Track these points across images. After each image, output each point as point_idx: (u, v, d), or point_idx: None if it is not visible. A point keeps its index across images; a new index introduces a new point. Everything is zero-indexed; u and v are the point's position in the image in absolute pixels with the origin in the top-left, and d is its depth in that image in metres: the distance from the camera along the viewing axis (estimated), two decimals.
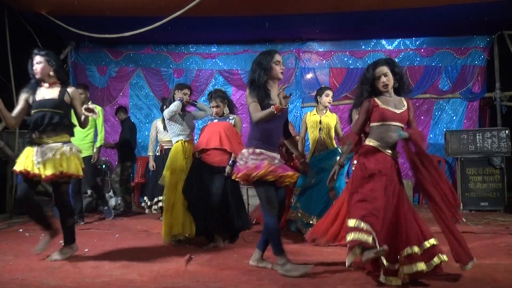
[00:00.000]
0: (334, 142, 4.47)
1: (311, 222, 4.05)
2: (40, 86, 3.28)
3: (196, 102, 4.51)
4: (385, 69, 2.82)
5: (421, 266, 2.58)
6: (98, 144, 5.34)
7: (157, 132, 5.49)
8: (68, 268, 3.09)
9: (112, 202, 6.53)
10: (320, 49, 7.38)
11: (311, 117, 4.50)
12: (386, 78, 2.82)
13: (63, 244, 3.89)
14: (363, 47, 7.33)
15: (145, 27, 5.47)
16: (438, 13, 5.95)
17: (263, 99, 2.93)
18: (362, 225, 2.54)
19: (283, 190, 3.16)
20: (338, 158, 3.89)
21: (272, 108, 2.80)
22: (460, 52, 7.10)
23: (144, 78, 7.45)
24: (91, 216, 5.74)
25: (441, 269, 2.66)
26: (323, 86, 4.79)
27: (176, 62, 7.46)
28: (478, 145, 6.12)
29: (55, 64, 3.29)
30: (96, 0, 5.48)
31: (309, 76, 7.29)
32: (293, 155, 3.88)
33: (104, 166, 6.87)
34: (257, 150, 2.93)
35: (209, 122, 4.06)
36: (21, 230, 4.59)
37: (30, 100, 3.26)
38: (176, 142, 4.11)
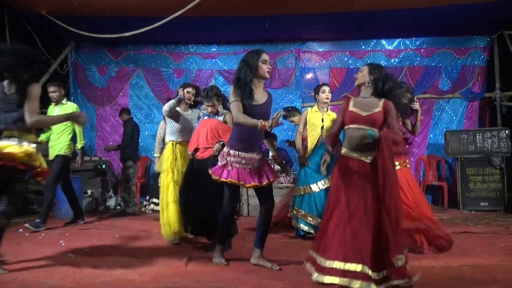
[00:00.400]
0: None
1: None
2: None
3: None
4: (363, 66, 2.90)
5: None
6: (79, 145, 4.98)
7: (164, 133, 5.47)
8: (68, 268, 3.09)
9: (112, 202, 6.55)
10: (320, 49, 7.38)
11: (313, 114, 4.33)
12: (357, 74, 2.91)
13: (62, 244, 3.91)
14: (363, 47, 7.34)
15: (145, 27, 5.48)
16: (438, 13, 5.95)
17: (247, 99, 2.94)
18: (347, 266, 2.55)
19: (269, 188, 3.15)
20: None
21: (259, 124, 2.78)
22: (460, 52, 7.10)
23: (144, 78, 7.46)
24: (91, 216, 5.74)
25: None
26: (319, 83, 4.63)
27: (176, 62, 7.46)
28: (478, 145, 6.12)
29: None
30: (96, 0, 5.49)
31: (309, 76, 7.29)
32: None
33: (104, 166, 6.88)
34: (232, 152, 3.01)
35: (201, 119, 4.02)
36: (21, 230, 4.59)
37: None
38: (168, 141, 4.16)
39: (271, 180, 3.09)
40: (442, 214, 5.75)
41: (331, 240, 2.65)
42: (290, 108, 5.35)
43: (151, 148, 7.20)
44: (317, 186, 4.09)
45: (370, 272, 2.52)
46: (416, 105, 3.93)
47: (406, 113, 3.90)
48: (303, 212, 4.10)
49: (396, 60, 7.18)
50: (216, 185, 3.57)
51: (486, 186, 6.02)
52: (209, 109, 3.88)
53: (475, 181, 6.06)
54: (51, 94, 4.86)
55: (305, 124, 4.34)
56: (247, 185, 3.04)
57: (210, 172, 3.12)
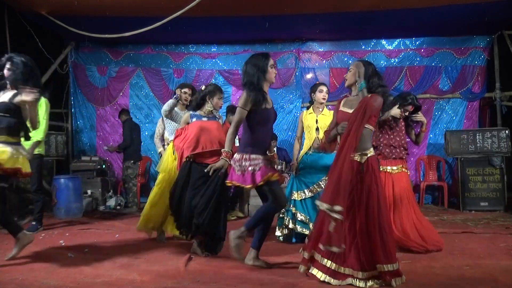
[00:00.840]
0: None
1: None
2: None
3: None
4: (351, 66, 2.93)
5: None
6: (35, 138, 4.06)
7: (164, 130, 5.47)
8: (68, 268, 3.09)
9: (112, 202, 6.55)
10: (320, 49, 7.38)
11: (308, 116, 4.19)
12: (346, 74, 2.94)
13: (62, 243, 3.91)
14: (363, 47, 7.34)
15: (145, 27, 5.47)
16: (438, 13, 5.95)
17: (261, 104, 2.97)
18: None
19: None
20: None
21: (227, 149, 3.03)
22: (460, 52, 7.10)
23: (144, 78, 7.45)
24: (91, 216, 5.74)
25: None
26: (317, 82, 4.44)
27: (176, 62, 7.46)
28: (478, 145, 6.12)
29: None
30: (96, 0, 5.48)
31: (309, 76, 7.29)
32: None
33: (104, 166, 6.88)
34: (253, 156, 2.99)
35: (194, 120, 3.69)
36: None
37: None
38: (170, 141, 4.14)
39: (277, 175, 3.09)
40: (442, 214, 5.75)
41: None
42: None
43: (151, 148, 7.21)
44: (304, 194, 3.99)
45: (356, 273, 2.58)
46: (419, 117, 3.94)
47: (410, 124, 4.00)
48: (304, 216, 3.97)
49: (396, 60, 7.18)
50: (214, 188, 3.43)
51: (486, 186, 6.02)
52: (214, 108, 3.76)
53: (475, 181, 6.06)
54: None
55: (302, 127, 4.23)
56: (274, 176, 3.02)
57: (235, 183, 3.00)
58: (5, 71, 3.31)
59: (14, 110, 3.23)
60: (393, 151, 3.86)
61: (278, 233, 4.13)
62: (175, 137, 3.75)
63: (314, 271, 2.70)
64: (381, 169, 3.72)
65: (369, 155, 2.76)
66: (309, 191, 3.97)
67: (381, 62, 7.17)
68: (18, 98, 3.20)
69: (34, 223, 4.61)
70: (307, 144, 4.15)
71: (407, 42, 7.23)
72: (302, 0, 5.70)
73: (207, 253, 3.48)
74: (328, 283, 2.61)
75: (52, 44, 6.90)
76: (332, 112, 4.20)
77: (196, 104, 3.71)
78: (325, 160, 3.92)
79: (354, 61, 2.99)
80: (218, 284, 2.69)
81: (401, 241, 3.50)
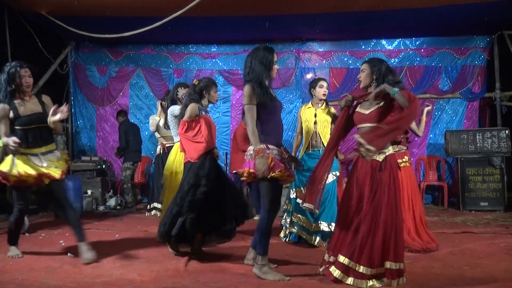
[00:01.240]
0: (327, 139, 4.02)
1: (323, 229, 3.80)
2: (17, 98, 3.27)
3: None
4: (363, 66, 2.88)
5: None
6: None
7: (156, 129, 5.46)
8: (68, 268, 3.09)
9: (112, 202, 6.55)
10: (320, 49, 7.38)
11: (306, 110, 4.12)
12: (360, 75, 2.89)
13: (62, 243, 3.91)
14: (363, 47, 7.33)
15: (145, 27, 5.47)
16: (438, 13, 5.95)
17: (269, 100, 2.89)
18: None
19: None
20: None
21: (259, 146, 2.77)
22: (460, 52, 7.10)
23: (144, 78, 7.45)
24: (91, 216, 5.74)
25: None
26: (316, 77, 4.33)
27: (176, 62, 7.46)
28: (478, 145, 6.12)
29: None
30: (96, 0, 5.48)
31: (309, 76, 7.28)
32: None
33: (104, 166, 6.88)
34: (270, 146, 2.87)
35: (203, 113, 3.60)
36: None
37: (11, 115, 3.24)
38: (177, 141, 4.05)
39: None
40: (442, 214, 5.76)
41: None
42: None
43: (151, 148, 7.22)
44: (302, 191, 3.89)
45: (361, 268, 2.57)
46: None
47: None
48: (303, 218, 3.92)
49: (396, 60, 7.18)
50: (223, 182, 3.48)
51: (486, 186, 6.02)
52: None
53: (475, 181, 6.06)
54: None
55: (302, 123, 4.15)
56: (291, 178, 2.96)
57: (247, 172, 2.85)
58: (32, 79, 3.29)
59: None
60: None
61: (281, 234, 4.12)
62: (186, 129, 3.51)
63: (332, 269, 2.70)
64: None
65: (387, 153, 2.72)
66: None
67: None
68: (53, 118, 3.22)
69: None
70: (305, 138, 4.08)
71: (407, 42, 7.23)
72: (302, 0, 5.70)
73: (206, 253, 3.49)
74: (341, 280, 2.63)
75: (52, 44, 6.90)
76: (331, 108, 4.17)
77: (195, 98, 3.59)
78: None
79: (365, 61, 2.91)
80: (218, 284, 2.69)
81: (406, 242, 3.48)
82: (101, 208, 6.41)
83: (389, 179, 2.65)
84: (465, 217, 5.44)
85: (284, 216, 4.19)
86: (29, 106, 3.28)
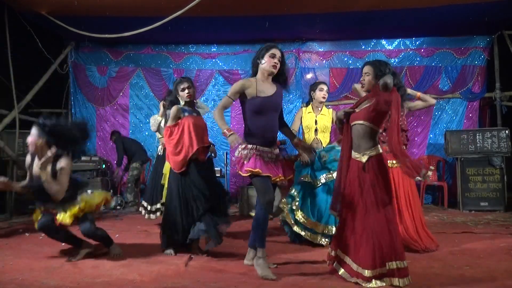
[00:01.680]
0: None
1: (325, 232, 3.77)
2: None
3: (196, 101, 4.44)
4: (367, 69, 2.88)
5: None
6: None
7: (158, 129, 5.45)
8: (68, 268, 3.09)
9: (112, 202, 6.54)
10: (320, 49, 7.38)
11: (306, 115, 4.12)
12: (363, 78, 2.89)
13: (62, 243, 3.91)
14: (363, 47, 7.34)
15: (145, 27, 5.47)
16: (438, 13, 5.95)
17: (252, 91, 2.94)
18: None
19: (273, 186, 3.09)
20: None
21: (224, 130, 2.89)
22: (460, 52, 7.10)
23: (144, 78, 7.46)
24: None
25: None
26: (317, 81, 4.33)
27: (176, 62, 7.46)
28: (478, 145, 6.12)
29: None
30: (96, 0, 5.48)
31: (309, 76, 7.29)
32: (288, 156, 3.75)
33: (104, 166, 6.88)
34: (249, 146, 2.94)
35: (186, 114, 3.59)
36: (21, 230, 4.59)
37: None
38: None
39: (286, 177, 3.05)
40: (442, 214, 5.75)
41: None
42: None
43: (151, 148, 7.21)
44: (319, 180, 3.89)
45: (365, 272, 2.59)
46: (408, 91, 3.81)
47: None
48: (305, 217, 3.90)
49: (396, 60, 7.18)
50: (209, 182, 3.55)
51: (486, 186, 6.02)
52: (187, 93, 3.61)
53: (475, 181, 6.06)
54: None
55: (299, 123, 4.16)
56: (273, 178, 2.95)
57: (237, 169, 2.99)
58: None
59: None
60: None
61: (286, 228, 4.08)
62: (169, 134, 3.54)
63: (341, 271, 2.76)
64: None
65: (371, 154, 2.73)
66: (313, 181, 3.90)
67: None
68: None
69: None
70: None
71: (407, 42, 7.23)
72: (302, 0, 5.70)
73: (207, 252, 3.51)
74: (345, 279, 2.68)
75: (52, 44, 6.89)
76: (330, 110, 4.19)
77: (174, 101, 3.68)
78: (332, 153, 3.93)
79: (368, 63, 2.90)
80: (218, 284, 2.69)
81: (405, 241, 3.48)
82: (101, 208, 6.39)
83: (374, 179, 2.67)
84: (465, 217, 5.44)
85: (285, 216, 4.11)
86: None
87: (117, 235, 4.38)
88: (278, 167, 3.04)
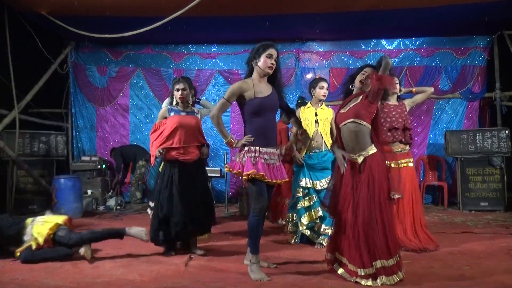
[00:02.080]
0: (330, 139, 3.98)
1: (327, 232, 3.74)
2: None
3: (199, 99, 4.41)
4: (368, 70, 2.95)
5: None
6: None
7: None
8: (68, 268, 3.09)
9: (112, 202, 6.55)
10: (320, 49, 7.38)
11: (306, 110, 4.09)
12: (365, 79, 2.95)
13: None
14: (363, 47, 7.33)
15: (145, 27, 5.47)
16: (438, 13, 5.95)
17: (250, 91, 2.93)
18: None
19: (272, 189, 3.11)
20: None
21: (231, 141, 2.95)
22: (460, 52, 7.10)
23: (144, 78, 7.45)
24: (91, 216, 5.74)
25: None
26: (317, 77, 4.27)
27: (176, 62, 7.46)
28: (478, 145, 6.12)
29: None
30: (96, 0, 5.48)
31: (309, 76, 7.28)
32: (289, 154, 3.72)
33: (104, 166, 6.88)
34: (253, 148, 2.90)
35: (172, 114, 3.65)
36: None
37: None
38: None
39: (286, 179, 3.05)
40: (442, 214, 5.75)
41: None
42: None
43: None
44: (319, 184, 3.86)
45: (358, 270, 2.63)
46: (404, 90, 3.97)
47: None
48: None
49: (396, 60, 7.18)
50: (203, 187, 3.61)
51: (486, 186, 6.02)
52: (179, 94, 3.64)
53: (475, 181, 6.06)
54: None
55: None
56: (273, 181, 2.92)
57: (227, 168, 2.97)
58: None
59: None
60: (394, 134, 3.73)
61: (289, 228, 4.05)
62: (152, 132, 3.66)
63: (340, 271, 2.79)
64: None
65: (366, 155, 2.74)
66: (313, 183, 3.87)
67: None
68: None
69: None
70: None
71: (407, 42, 7.23)
72: (302, 0, 5.70)
73: (207, 252, 3.51)
74: (345, 278, 2.71)
75: (52, 44, 6.89)
76: (330, 109, 4.16)
77: (169, 101, 3.83)
78: (326, 162, 3.89)
79: (369, 65, 2.95)
80: (218, 284, 2.69)
81: (403, 242, 3.49)
82: (101, 208, 6.41)
83: (368, 179, 2.67)
84: (465, 217, 5.44)
85: (294, 216, 4.03)
86: None
87: None
88: (281, 168, 3.03)
